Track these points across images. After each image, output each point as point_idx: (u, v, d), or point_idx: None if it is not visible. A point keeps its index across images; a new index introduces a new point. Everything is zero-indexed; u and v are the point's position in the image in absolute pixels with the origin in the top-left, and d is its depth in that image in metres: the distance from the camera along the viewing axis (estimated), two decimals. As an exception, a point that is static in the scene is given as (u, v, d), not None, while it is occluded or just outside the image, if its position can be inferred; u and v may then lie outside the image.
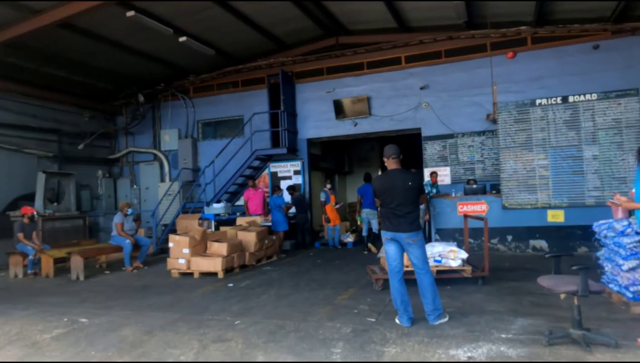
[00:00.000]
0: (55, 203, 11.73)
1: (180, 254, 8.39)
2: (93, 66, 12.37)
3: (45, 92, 12.80)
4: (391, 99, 12.32)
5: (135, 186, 15.01)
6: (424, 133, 12.02)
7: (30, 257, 9.12)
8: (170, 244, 8.52)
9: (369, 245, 10.75)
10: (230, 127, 14.10)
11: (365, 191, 10.98)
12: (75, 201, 13.09)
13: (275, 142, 13.15)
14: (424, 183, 9.89)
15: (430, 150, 11.93)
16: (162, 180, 14.60)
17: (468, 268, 6.39)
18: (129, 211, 9.60)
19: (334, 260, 9.88)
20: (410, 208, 4.74)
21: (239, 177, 12.71)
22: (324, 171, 16.93)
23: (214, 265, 8.16)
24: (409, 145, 19.03)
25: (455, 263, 6.34)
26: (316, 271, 8.50)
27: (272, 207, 10.95)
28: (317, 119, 13.02)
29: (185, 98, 14.38)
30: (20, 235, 9.20)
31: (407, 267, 5.35)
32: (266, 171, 13.50)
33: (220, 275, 8.11)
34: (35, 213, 9.59)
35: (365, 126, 12.61)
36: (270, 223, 11.26)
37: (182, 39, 11.08)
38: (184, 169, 13.64)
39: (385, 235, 4.88)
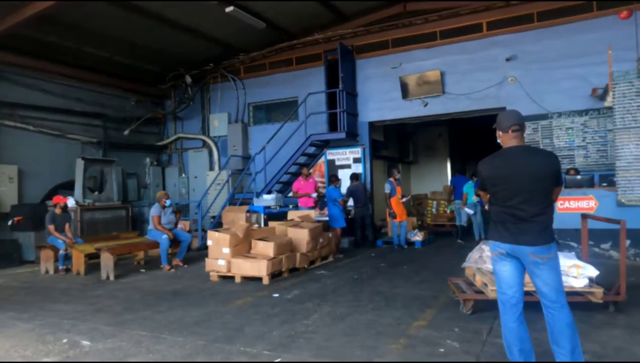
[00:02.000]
0: (96, 193, 10.91)
1: (220, 254, 7.12)
2: (136, 45, 11.41)
3: (89, 74, 12.05)
4: (469, 74, 10.45)
5: (183, 175, 14.08)
6: (510, 113, 10.05)
7: (61, 252, 8.22)
8: (209, 242, 7.27)
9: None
10: (283, 110, 12.77)
11: (457, 182, 11.10)
12: (120, 190, 12.31)
13: (332, 126, 11.67)
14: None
15: (518, 133, 9.94)
16: (211, 168, 13.55)
17: (598, 290, 4.57)
18: (167, 202, 8.48)
19: (400, 264, 8.28)
20: (542, 207, 3.06)
21: (292, 165, 11.35)
22: (386, 160, 15.27)
23: (258, 268, 6.82)
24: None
25: (579, 283, 4.56)
26: (380, 279, 6.95)
27: (328, 200, 9.48)
28: (380, 99, 11.37)
29: (235, 79, 13.19)
30: (51, 227, 8.33)
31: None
32: (322, 159, 12.05)
33: (266, 281, 6.77)
34: (67, 203, 8.68)
35: (437, 106, 10.83)
36: (326, 218, 9.82)
37: (229, 9, 9.83)
38: (233, 156, 12.47)
39: (496, 248, 3.23)
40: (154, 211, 8.39)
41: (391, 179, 10.33)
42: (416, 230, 10.71)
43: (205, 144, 13.74)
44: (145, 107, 13.71)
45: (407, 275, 7.24)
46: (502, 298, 3.22)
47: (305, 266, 7.83)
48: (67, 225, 8.59)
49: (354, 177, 10.49)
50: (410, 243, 10.36)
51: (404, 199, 10.44)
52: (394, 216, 10.12)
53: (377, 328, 4.54)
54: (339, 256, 9.21)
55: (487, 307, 4.91)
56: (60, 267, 8.32)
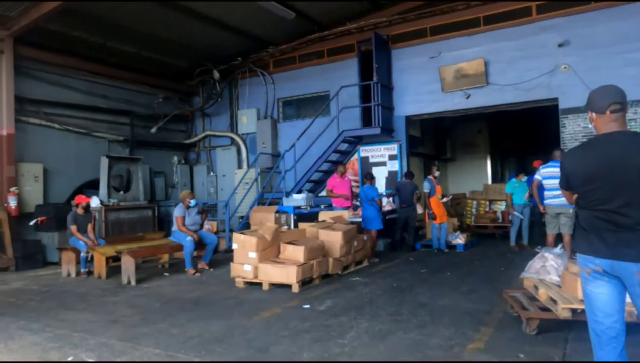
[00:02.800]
0: (121, 192, 10.57)
1: (246, 259, 6.56)
2: (163, 39, 11.04)
3: (115, 70, 11.76)
4: (516, 62, 9.59)
5: (211, 173, 13.67)
6: (563, 104, 9.18)
7: (83, 254, 7.86)
8: (234, 245, 6.73)
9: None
10: (314, 105, 12.17)
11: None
12: (147, 189, 12.00)
13: (366, 121, 10.99)
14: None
15: (572, 126, 9.05)
16: (240, 166, 13.09)
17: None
18: (192, 202, 7.99)
19: (443, 270, 7.54)
20: (649, 211, 2.34)
21: (324, 163, 10.73)
22: (422, 157, 14.49)
23: (287, 275, 6.22)
24: (540, 120, 16.16)
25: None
26: (422, 288, 6.25)
27: (363, 199, 8.80)
28: (417, 92, 10.62)
29: (264, 73, 12.68)
30: (73, 228, 7.97)
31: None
32: (355, 156, 11.39)
33: (295, 288, 6.17)
34: (89, 202, 8.32)
35: (480, 98, 10.00)
36: (359, 219, 9.17)
37: (260, -1, 9.29)
38: (262, 154, 11.94)
39: (587, 263, 2.50)
40: (177, 212, 7.92)
41: (430, 178, 9.58)
42: (458, 233, 9.92)
43: (233, 141, 13.29)
44: (172, 104, 13.36)
45: (452, 283, 6.50)
46: (597, 328, 2.50)
47: (339, 272, 7.19)
48: (89, 226, 8.23)
49: (407, 175, 9.81)
50: (451, 247, 9.59)
51: (445, 199, 9.67)
52: (433, 217, 9.36)
53: (424, 351, 3.86)
54: (375, 260, 8.54)
55: (555, 327, 4.19)
56: (82, 270, 7.95)
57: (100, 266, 7.65)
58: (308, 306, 5.44)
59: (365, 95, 11.20)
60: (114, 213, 9.96)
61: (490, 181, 16.38)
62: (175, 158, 13.45)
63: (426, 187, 9.42)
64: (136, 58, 11.78)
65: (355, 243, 7.76)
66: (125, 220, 10.20)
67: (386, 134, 10.61)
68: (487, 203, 14.03)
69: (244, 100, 13.08)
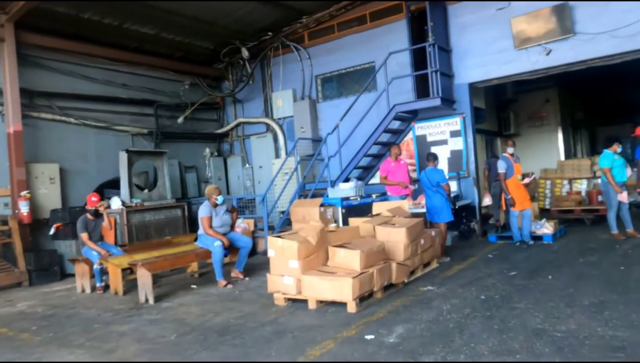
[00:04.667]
0: (145, 191, 9.39)
1: (286, 269, 5.12)
2: (184, 16, 9.70)
3: (135, 55, 10.55)
4: (612, 4, 7.61)
5: (247, 165, 12.35)
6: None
7: (96, 266, 6.66)
8: (270, 252, 5.29)
9: None
10: (357, 80, 10.56)
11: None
12: (177, 186, 10.83)
13: (421, 93, 9.29)
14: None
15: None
16: (277, 155, 11.68)
17: None
18: (219, 199, 6.63)
19: (540, 271, 5.84)
20: None
21: (373, 145, 9.14)
22: (483, 134, 12.60)
23: (341, 290, 4.73)
24: (624, 83, 13.82)
25: None
26: (524, 302, 4.59)
27: (426, 185, 7.16)
28: (483, 53, 8.81)
29: (298, 48, 11.15)
30: (84, 236, 6.79)
31: None
32: (410, 135, 9.71)
33: (352, 307, 4.67)
34: (103, 203, 7.11)
35: (565, 53, 8.09)
36: (422, 210, 7.56)
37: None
38: (301, 140, 10.46)
39: None
40: (202, 212, 6.57)
41: (506, 155, 7.82)
42: (543, 220, 8.10)
43: (269, 127, 11.88)
44: (200, 91, 12.08)
45: (564, 293, 4.81)
46: None
47: (405, 280, 5.62)
48: (107, 232, 7.04)
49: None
50: (536, 238, 7.82)
51: (527, 181, 7.88)
52: (512, 203, 7.60)
53: None
54: (445, 259, 6.92)
55: None
56: (98, 285, 6.76)
57: (116, 280, 6.41)
58: (372, 337, 3.92)
59: (418, 62, 9.49)
60: (137, 215, 8.77)
61: (563, 157, 14.27)
62: (207, 150, 12.21)
63: (501, 167, 7.66)
64: (157, 41, 10.54)
65: (422, 241, 6.16)
66: (151, 223, 9.01)
67: (447, 106, 8.87)
68: (565, 182, 12.07)
69: (278, 81, 11.62)
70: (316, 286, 4.90)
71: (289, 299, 5.18)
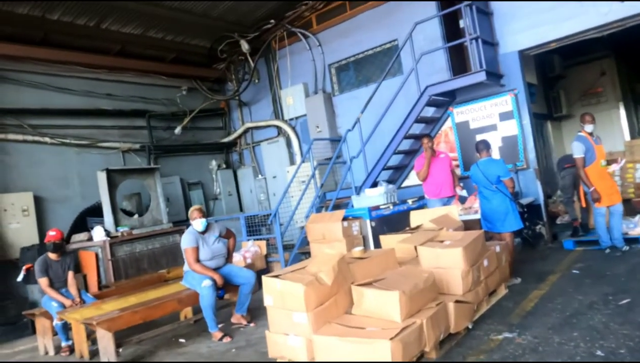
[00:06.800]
0: (135, 216, 7.90)
1: (290, 325, 3.45)
2: (171, 9, 8.23)
3: (119, 60, 9.11)
4: None
5: (259, 176, 10.77)
6: None
7: (56, 322, 5.14)
8: (267, 300, 3.62)
9: None
10: (379, 64, 8.84)
11: None
12: (179, 207, 9.37)
13: (457, 70, 7.52)
14: None
15: None
16: (292, 161, 10.06)
17: None
18: (202, 223, 5.01)
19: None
20: None
21: (403, 138, 7.40)
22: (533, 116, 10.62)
23: (373, 356, 3.02)
24: None
25: None
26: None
27: (481, 184, 5.36)
28: (534, 9, 6.95)
29: (306, 35, 9.53)
30: (43, 282, 5.32)
31: None
32: (448, 123, 7.92)
33: (393, 385, 2.95)
34: (61, 239, 5.62)
35: (646, -2, 6.16)
36: (475, 216, 5.79)
37: None
38: (316, 141, 8.79)
39: None
40: (185, 241, 4.98)
41: (583, 134, 5.94)
42: (637, 217, 6.17)
43: (280, 131, 10.29)
44: (200, 96, 10.60)
45: None
46: None
47: (469, 326, 3.85)
48: (70, 275, 5.53)
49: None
50: (629, 240, 5.90)
51: (615, 167, 5.99)
52: (596, 198, 5.71)
53: None
54: (515, 281, 5.10)
55: None
56: (64, 344, 5.26)
57: (79, 339, 4.86)
58: None
59: (450, 35, 7.75)
60: (125, 246, 7.27)
61: (628, 137, 12.13)
62: (214, 162, 10.69)
63: (578, 151, 5.79)
64: (144, 42, 9.11)
65: (486, 262, 4.37)
66: (143, 254, 7.50)
67: (493, 82, 7.05)
68: (638, 166, 9.99)
69: (287, 76, 10.01)
70: (336, 350, 3.20)
71: (299, 368, 3.50)
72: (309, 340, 3.35)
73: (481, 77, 6.59)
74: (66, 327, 5.19)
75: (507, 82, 7.24)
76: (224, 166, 10.95)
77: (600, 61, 12.30)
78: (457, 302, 3.73)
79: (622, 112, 12.48)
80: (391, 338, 3.00)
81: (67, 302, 5.23)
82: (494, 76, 7.02)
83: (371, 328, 3.21)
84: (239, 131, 10.90)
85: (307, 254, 6.97)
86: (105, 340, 4.22)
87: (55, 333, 5.29)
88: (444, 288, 3.91)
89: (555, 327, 3.68)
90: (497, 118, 7.35)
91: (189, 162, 10.35)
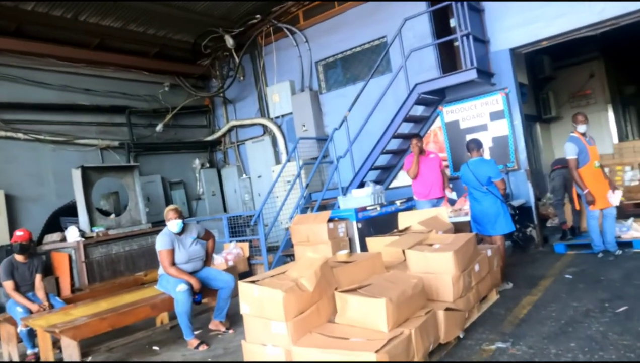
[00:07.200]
0: (112, 216, 7.57)
1: (268, 335, 3.18)
2: (152, 1, 7.93)
3: (98, 55, 8.79)
4: None
5: (244, 176, 10.48)
6: None
7: (20, 328, 4.81)
8: (244, 308, 3.35)
9: None
10: (367, 61, 8.60)
11: None
12: (160, 206, 8.97)
13: (448, 67, 7.33)
14: None
15: None
16: (277, 161, 9.79)
17: None
18: (177, 224, 4.72)
19: (666, 305, 3.80)
20: None
21: (392, 138, 7.17)
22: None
23: (357, 371, 2.77)
24: None
25: None
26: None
27: (471, 185, 5.15)
28: (526, 6, 6.77)
29: (293, 30, 9.27)
30: (8, 285, 4.99)
31: None
32: (437, 123, 7.72)
33: (378, 402, 2.71)
34: (29, 240, 5.30)
35: (642, -5, 6.01)
36: (464, 218, 5.58)
37: None
38: (302, 139, 8.52)
39: None
40: (160, 243, 4.68)
41: (575, 134, 5.77)
42: (630, 220, 6.01)
43: (266, 129, 10.01)
44: (184, 93, 10.29)
45: None
46: None
47: (460, 336, 3.62)
48: (37, 278, 5.21)
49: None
50: (622, 244, 5.75)
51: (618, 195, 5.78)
52: (590, 201, 5.54)
53: None
54: (507, 286, 4.89)
55: None
56: (29, 352, 4.94)
57: (44, 346, 4.53)
58: None
59: (441, 32, 7.56)
60: (100, 247, 6.95)
61: (616, 139, 12.07)
62: (197, 161, 10.38)
63: (571, 151, 5.62)
64: (125, 36, 8.77)
65: (477, 266, 4.16)
66: (120, 256, 7.19)
67: (484, 81, 6.86)
68: (627, 169, 9.90)
69: (272, 73, 9.74)
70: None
71: (278, 381, 3.24)
72: (288, 352, 3.09)
73: (472, 74, 6.39)
74: (32, 334, 4.87)
75: (498, 81, 7.05)
76: (208, 165, 10.64)
77: (590, 63, 12.26)
78: (447, 309, 3.50)
79: (611, 114, 12.44)
80: (377, 351, 2.75)
81: (34, 307, 4.91)
82: (485, 74, 6.83)
83: (355, 339, 2.96)
84: (224, 129, 10.60)
85: (292, 256, 6.72)
86: (70, 349, 3.92)
87: (20, 340, 4.97)
88: (433, 295, 3.68)
89: (551, 337, 3.47)
90: (488, 117, 7.16)
91: (171, 160, 10.03)
